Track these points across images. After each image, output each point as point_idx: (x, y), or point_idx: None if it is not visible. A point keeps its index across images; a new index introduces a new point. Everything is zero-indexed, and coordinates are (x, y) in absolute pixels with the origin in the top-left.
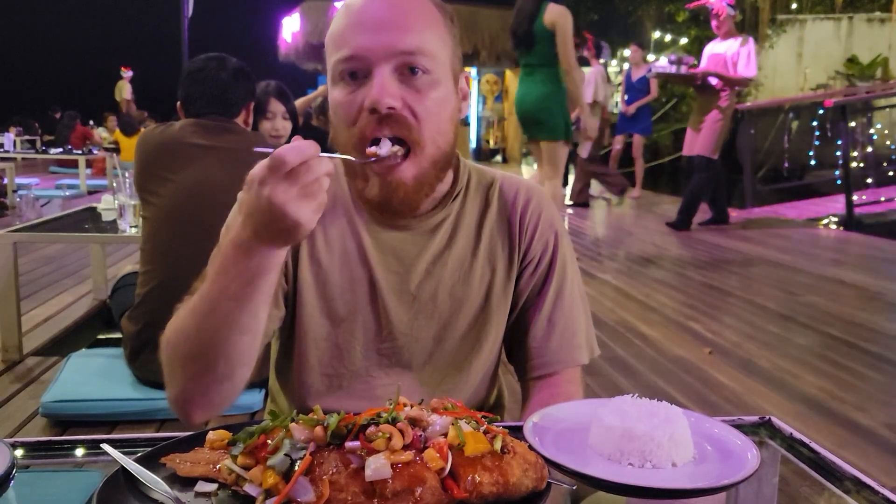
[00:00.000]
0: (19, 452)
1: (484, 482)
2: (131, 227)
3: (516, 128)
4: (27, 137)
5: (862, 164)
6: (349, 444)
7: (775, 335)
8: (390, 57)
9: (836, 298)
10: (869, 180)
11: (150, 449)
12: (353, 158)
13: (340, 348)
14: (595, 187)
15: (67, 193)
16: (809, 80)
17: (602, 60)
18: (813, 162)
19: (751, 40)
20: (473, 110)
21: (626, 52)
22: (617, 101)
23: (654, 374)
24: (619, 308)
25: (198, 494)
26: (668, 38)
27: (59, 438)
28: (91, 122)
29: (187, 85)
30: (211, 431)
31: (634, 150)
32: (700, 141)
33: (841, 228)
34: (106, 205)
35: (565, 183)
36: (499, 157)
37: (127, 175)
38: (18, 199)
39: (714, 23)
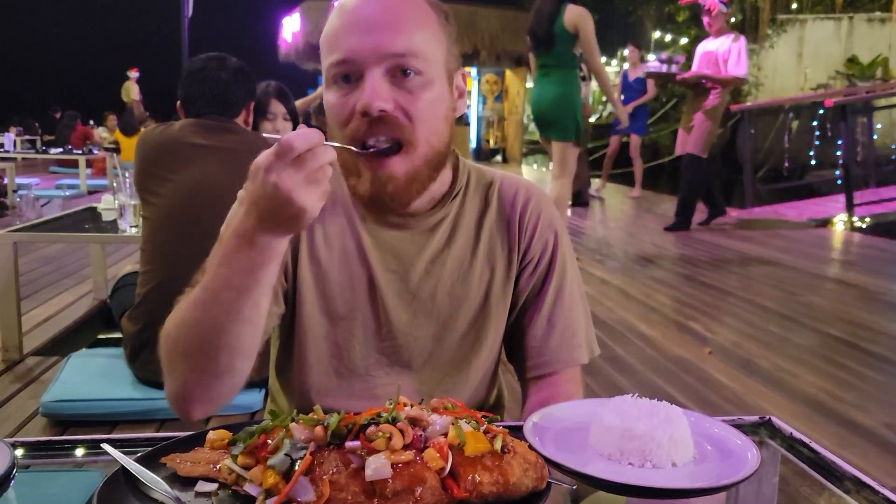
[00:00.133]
0: (19, 452)
1: (484, 482)
2: (131, 227)
3: (516, 128)
4: (27, 137)
5: (862, 164)
6: (349, 444)
7: (775, 335)
8: (381, 59)
9: (836, 298)
10: (869, 180)
11: (150, 449)
12: (354, 149)
13: (340, 347)
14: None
15: (67, 193)
16: (810, 79)
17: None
18: (813, 162)
19: (741, 38)
20: (473, 110)
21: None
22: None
23: (654, 374)
24: (619, 308)
25: (198, 494)
26: (668, 38)
27: (60, 438)
28: (91, 122)
29: (187, 85)
30: (211, 431)
31: (632, 150)
32: (690, 140)
33: (841, 228)
34: (106, 205)
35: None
36: (499, 157)
37: (127, 175)
38: (18, 199)
39: (706, 19)
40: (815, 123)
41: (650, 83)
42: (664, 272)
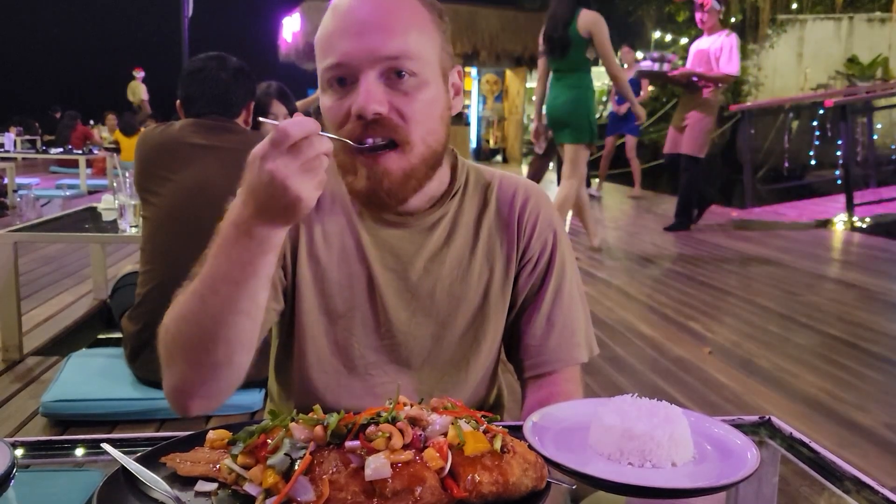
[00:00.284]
0: (19, 452)
1: (484, 482)
2: (131, 226)
3: (516, 128)
4: (27, 137)
5: (862, 164)
6: (349, 444)
7: (775, 335)
8: (375, 62)
9: (836, 298)
10: (869, 180)
11: (150, 448)
12: (350, 142)
13: (339, 346)
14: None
15: (68, 193)
16: (810, 79)
17: None
18: (813, 162)
19: (733, 36)
20: (473, 110)
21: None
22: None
23: (653, 374)
24: (619, 308)
25: (198, 494)
26: (668, 38)
27: (60, 438)
28: (91, 122)
29: (187, 85)
30: (211, 431)
31: (628, 150)
32: (685, 140)
33: (841, 228)
34: (106, 205)
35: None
36: (499, 157)
37: (127, 175)
38: (19, 199)
39: (699, 15)
40: (815, 123)
41: (644, 83)
42: (664, 272)
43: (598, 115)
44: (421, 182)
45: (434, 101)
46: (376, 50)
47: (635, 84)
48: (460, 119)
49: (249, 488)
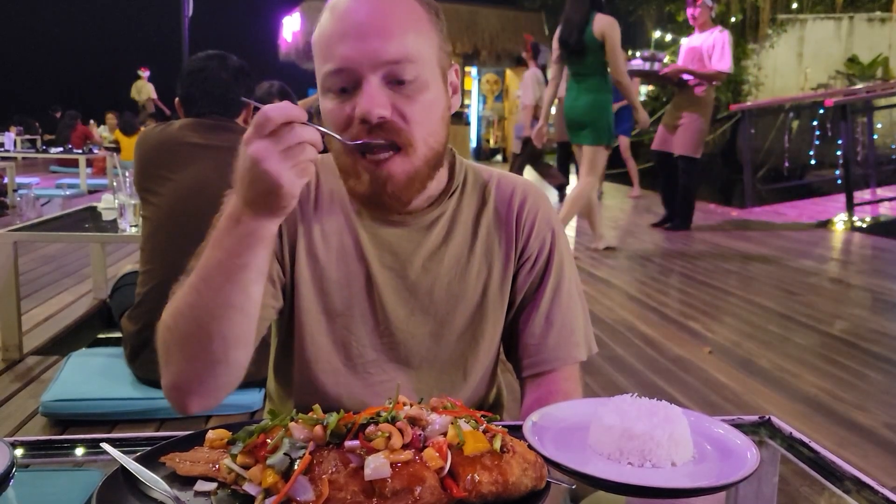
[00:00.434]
0: (19, 451)
1: (483, 481)
2: (131, 226)
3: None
4: (28, 137)
5: (862, 164)
6: (348, 444)
7: (775, 335)
8: (377, 67)
9: (837, 298)
10: (869, 180)
11: (149, 448)
12: (340, 137)
13: (338, 344)
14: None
15: (68, 193)
16: (810, 79)
17: (542, 63)
18: (813, 161)
19: (725, 32)
20: (473, 110)
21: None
22: None
23: (653, 374)
24: (619, 308)
25: (197, 493)
26: (668, 37)
27: (59, 437)
28: (91, 122)
29: (188, 85)
30: (210, 430)
31: (623, 151)
32: (681, 141)
33: (841, 228)
34: (106, 204)
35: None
36: (499, 157)
37: (127, 174)
38: (19, 199)
39: (690, 11)
40: (815, 123)
41: (636, 82)
42: (664, 272)
43: None
44: (424, 183)
45: (435, 102)
46: (378, 54)
47: None
48: (460, 119)
49: (249, 488)
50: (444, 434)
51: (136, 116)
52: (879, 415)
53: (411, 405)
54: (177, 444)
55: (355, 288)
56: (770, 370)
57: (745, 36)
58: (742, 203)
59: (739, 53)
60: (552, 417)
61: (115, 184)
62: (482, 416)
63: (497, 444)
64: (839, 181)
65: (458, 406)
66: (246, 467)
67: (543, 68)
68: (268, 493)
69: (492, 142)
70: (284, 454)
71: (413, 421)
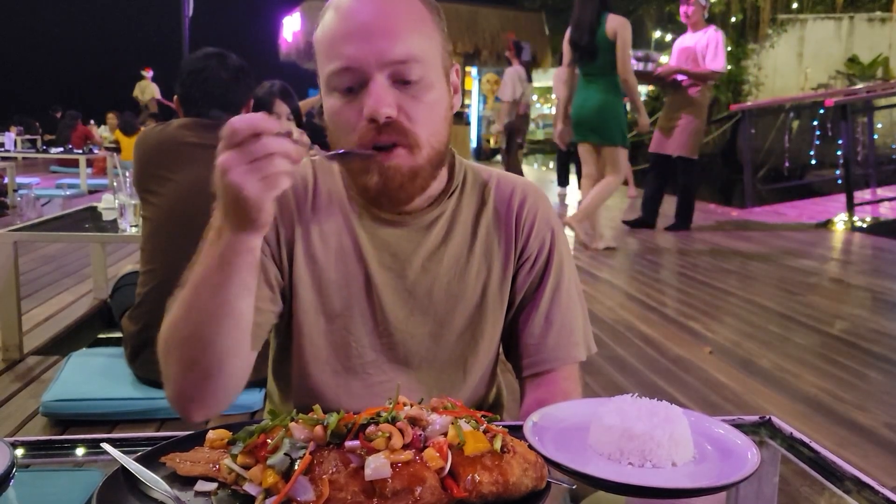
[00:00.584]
0: (19, 451)
1: (484, 481)
2: (132, 226)
3: None
4: (28, 137)
5: (862, 164)
6: (349, 444)
7: (775, 335)
8: (384, 66)
9: (837, 298)
10: (869, 180)
11: (150, 448)
12: (322, 154)
13: (337, 345)
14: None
15: (68, 193)
16: (810, 79)
17: (525, 59)
18: (813, 162)
19: (719, 32)
20: (474, 110)
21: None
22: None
23: (654, 374)
24: (619, 308)
25: (197, 493)
26: (668, 37)
27: (60, 438)
28: (91, 122)
29: (188, 84)
30: (211, 430)
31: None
32: (678, 143)
33: (841, 228)
34: (106, 204)
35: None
36: (499, 157)
37: (127, 174)
38: (19, 199)
39: (683, 9)
40: (815, 123)
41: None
42: (664, 272)
43: None
44: (427, 181)
45: (439, 101)
46: (385, 54)
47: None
48: (461, 119)
49: (249, 488)
50: (445, 434)
51: (136, 116)
52: (880, 415)
53: (411, 405)
54: (177, 444)
55: (354, 288)
56: (770, 370)
57: (746, 36)
58: (742, 203)
59: (739, 53)
60: (552, 417)
61: (115, 184)
62: (482, 416)
63: (497, 445)
64: (839, 181)
65: (458, 406)
66: (246, 467)
67: (527, 65)
68: (268, 493)
69: (492, 142)
70: (285, 454)
71: (413, 421)
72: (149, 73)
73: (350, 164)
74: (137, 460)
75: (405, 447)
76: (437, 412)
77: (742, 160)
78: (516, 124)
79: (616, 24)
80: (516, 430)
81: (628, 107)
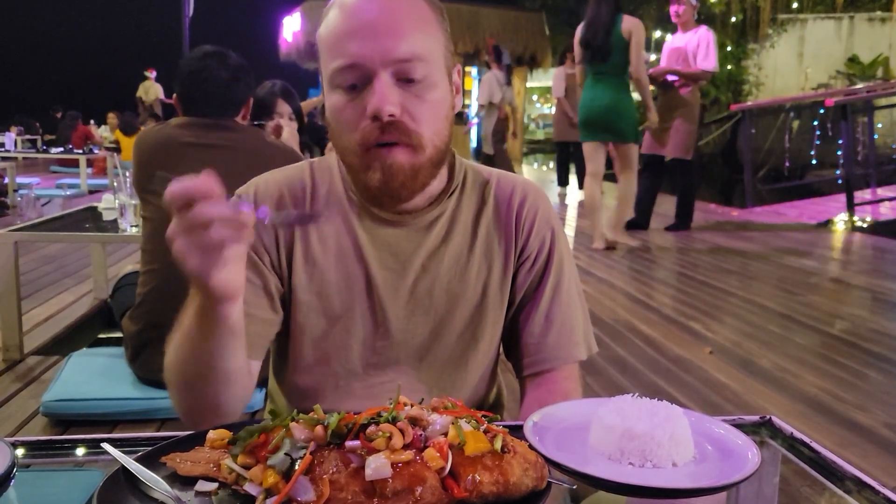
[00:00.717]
0: (20, 452)
1: (484, 481)
2: (132, 226)
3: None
4: (28, 137)
5: (863, 164)
6: (349, 444)
7: (776, 335)
8: (388, 65)
9: (837, 298)
10: (869, 180)
11: (150, 448)
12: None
13: (338, 346)
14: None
15: (68, 193)
16: (810, 79)
17: (506, 63)
18: (813, 161)
19: (710, 32)
20: (474, 110)
21: None
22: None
23: (654, 374)
24: (619, 308)
25: (198, 494)
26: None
27: (60, 438)
28: (92, 122)
29: (188, 84)
30: (211, 430)
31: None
32: (671, 144)
33: (841, 228)
34: (106, 204)
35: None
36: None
37: (127, 174)
38: (19, 199)
39: (673, 8)
40: (815, 123)
41: None
42: (664, 272)
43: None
44: (428, 180)
45: (442, 101)
46: (389, 52)
47: None
48: (461, 119)
49: (250, 488)
50: (445, 434)
51: (136, 116)
52: (880, 415)
53: (412, 405)
54: (178, 444)
55: (355, 289)
56: (770, 370)
57: (746, 36)
58: (742, 203)
59: (740, 53)
60: (553, 417)
61: (115, 184)
62: (483, 416)
63: (498, 445)
64: (839, 181)
65: (458, 406)
66: (247, 467)
67: (508, 68)
68: (269, 493)
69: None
70: (285, 454)
71: (414, 421)
72: (152, 74)
73: (350, 162)
74: (138, 460)
75: (406, 447)
76: (438, 412)
77: (742, 160)
78: (496, 128)
79: (631, 25)
80: (516, 430)
81: None
